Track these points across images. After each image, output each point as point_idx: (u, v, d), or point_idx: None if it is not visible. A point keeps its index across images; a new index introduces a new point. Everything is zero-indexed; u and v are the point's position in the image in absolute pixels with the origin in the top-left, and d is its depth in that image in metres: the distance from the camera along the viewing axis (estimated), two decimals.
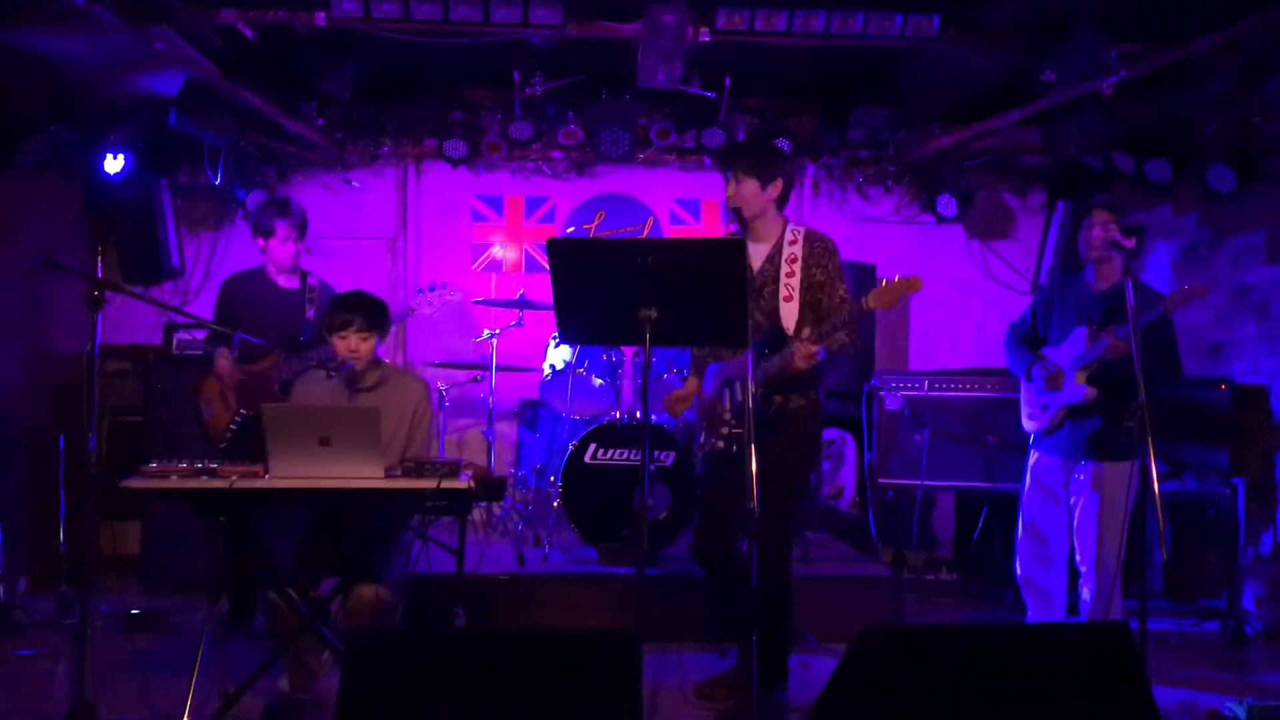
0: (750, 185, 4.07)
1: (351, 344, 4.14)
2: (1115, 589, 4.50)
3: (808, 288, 4.03)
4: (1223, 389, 5.71)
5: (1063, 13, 4.93)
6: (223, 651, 4.05)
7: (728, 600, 4.30)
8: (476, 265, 7.33)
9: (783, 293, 4.04)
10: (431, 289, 5.34)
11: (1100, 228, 4.60)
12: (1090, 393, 4.51)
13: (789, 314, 4.01)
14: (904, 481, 6.11)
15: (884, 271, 6.96)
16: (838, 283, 4.07)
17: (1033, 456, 4.88)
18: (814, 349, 3.82)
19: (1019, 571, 4.91)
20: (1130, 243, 4.33)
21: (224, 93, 5.65)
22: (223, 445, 5.01)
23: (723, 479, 4.22)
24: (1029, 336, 4.91)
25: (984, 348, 7.25)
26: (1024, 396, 4.90)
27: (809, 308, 4.03)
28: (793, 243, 4.08)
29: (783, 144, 6.53)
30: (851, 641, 2.66)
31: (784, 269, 4.05)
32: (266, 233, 5.16)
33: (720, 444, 4.21)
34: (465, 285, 7.28)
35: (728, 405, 4.19)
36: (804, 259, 4.05)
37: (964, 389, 6.06)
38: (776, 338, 3.99)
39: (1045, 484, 4.79)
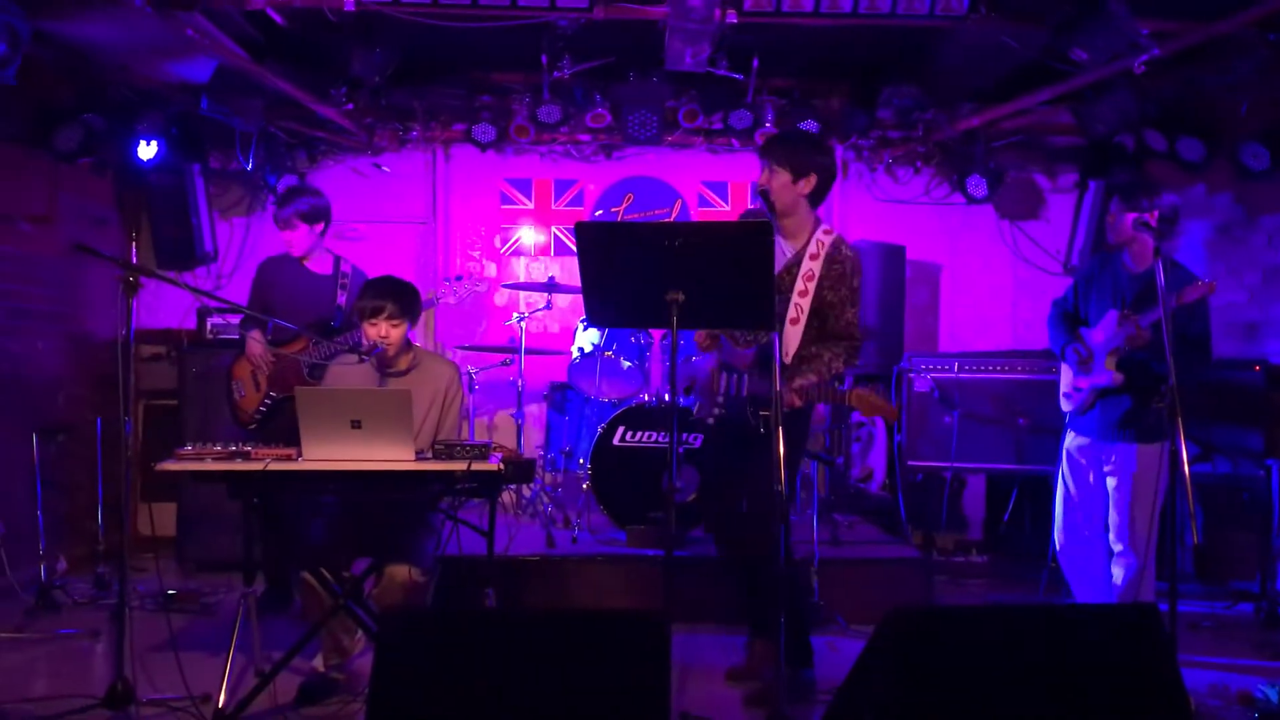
0: (782, 177, 3.97)
1: (382, 330, 4.19)
2: (1148, 569, 4.48)
3: (816, 308, 3.95)
4: (1257, 370, 5.65)
5: None
6: (259, 630, 4.11)
7: (741, 580, 4.33)
8: (505, 249, 7.36)
9: (790, 313, 3.93)
10: (459, 279, 5.39)
11: (1115, 214, 4.62)
12: (1116, 377, 4.50)
13: (791, 337, 3.92)
14: (933, 464, 6.09)
15: (914, 253, 6.96)
16: (849, 307, 3.96)
17: (1068, 436, 4.87)
18: (799, 403, 3.86)
19: (1058, 550, 4.91)
20: (1153, 217, 4.31)
21: (254, 78, 5.69)
22: (251, 427, 5.08)
23: (714, 457, 4.34)
24: (1070, 315, 4.88)
25: (1015, 329, 7.21)
26: (1062, 375, 4.89)
27: (814, 325, 3.96)
28: (814, 256, 3.95)
29: (810, 126, 6.51)
30: (879, 623, 2.67)
31: (799, 285, 3.93)
32: (281, 224, 5.23)
33: (710, 421, 4.20)
34: (494, 268, 7.33)
35: (721, 390, 4.16)
36: (820, 278, 3.93)
37: (994, 371, 6.03)
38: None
39: (1081, 463, 4.78)
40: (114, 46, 5.41)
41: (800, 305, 3.92)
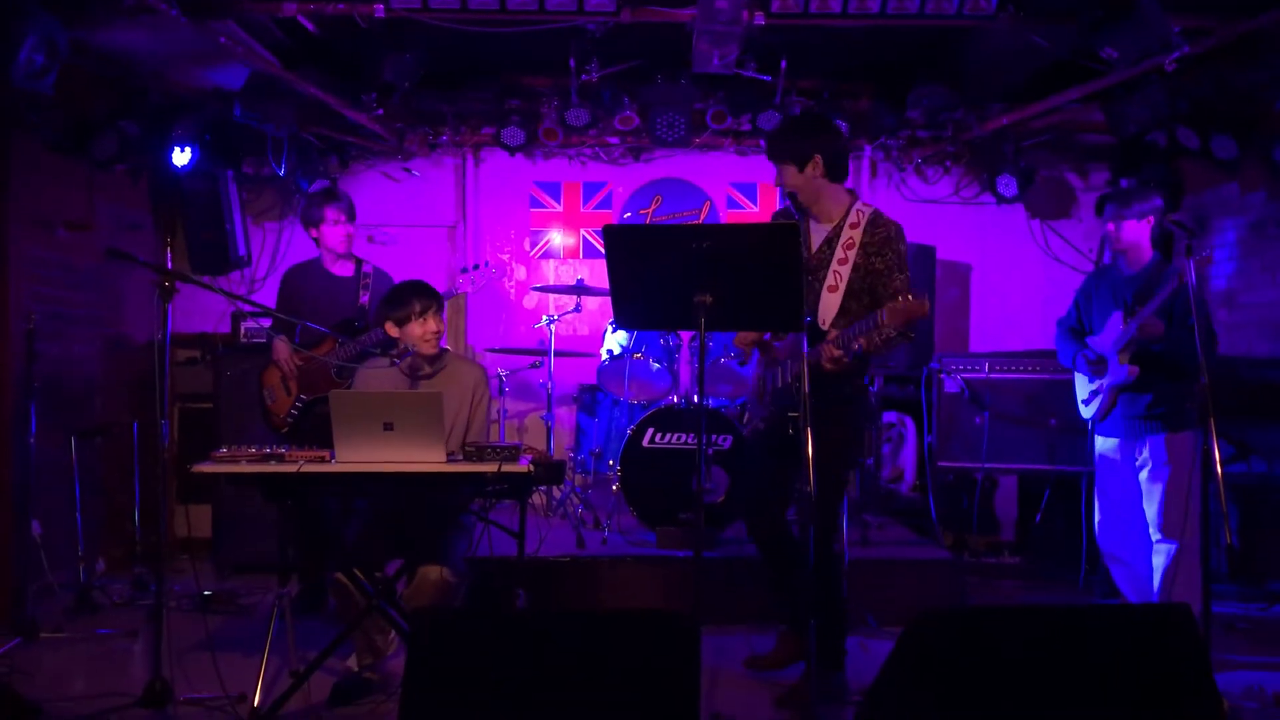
0: (790, 172, 3.96)
1: (432, 326, 4.30)
2: (1190, 555, 4.48)
3: (863, 275, 3.87)
4: None
5: None
6: (293, 631, 4.16)
7: (773, 578, 4.33)
8: (535, 251, 7.39)
9: (829, 280, 3.88)
10: (475, 267, 5.44)
11: (1113, 222, 4.74)
12: (1133, 371, 4.58)
13: (828, 306, 3.86)
14: (964, 464, 6.07)
15: (944, 254, 6.94)
16: (896, 273, 3.84)
17: (1097, 441, 4.91)
18: (838, 353, 3.69)
19: (1102, 549, 4.96)
20: (1148, 224, 4.46)
21: (286, 84, 5.75)
22: (284, 430, 5.13)
23: (761, 459, 4.26)
24: (1075, 329, 5.03)
25: (1046, 329, 7.15)
26: (1077, 386, 4.96)
27: (865, 294, 3.88)
28: (854, 225, 3.91)
29: (838, 126, 6.49)
30: (909, 623, 2.67)
31: (839, 254, 3.89)
32: (317, 221, 5.29)
33: (761, 425, 4.23)
34: (523, 271, 7.36)
35: (768, 388, 4.20)
36: (862, 245, 3.87)
37: (1025, 371, 6.00)
38: (813, 330, 3.85)
39: (1113, 463, 4.84)
40: (149, 54, 5.49)
41: (839, 273, 3.87)
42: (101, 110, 5.74)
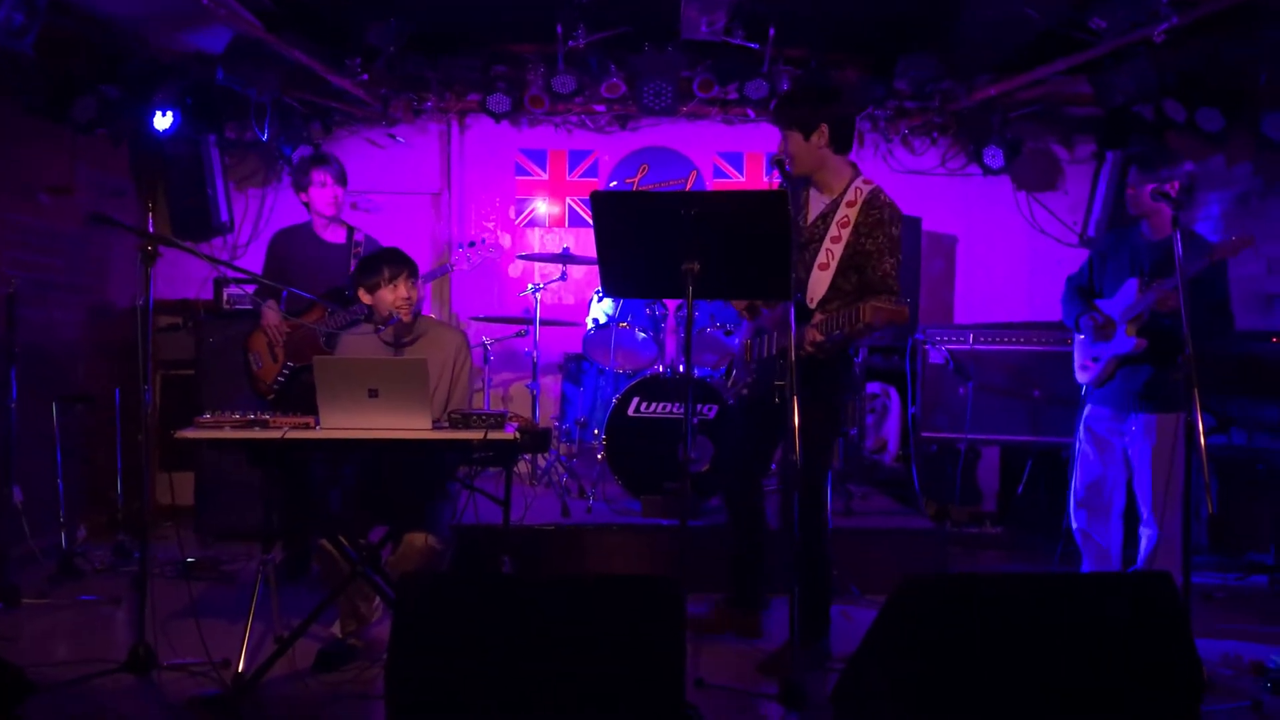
0: (795, 139, 3.94)
1: (404, 292, 4.26)
2: (1173, 541, 4.46)
3: (852, 254, 3.85)
4: (1275, 342, 5.62)
5: None
6: (277, 597, 4.16)
7: (739, 544, 4.39)
8: (520, 220, 7.36)
9: (820, 258, 3.87)
10: (471, 244, 5.40)
11: (1134, 185, 4.59)
12: (1139, 344, 4.47)
13: (818, 283, 3.85)
14: (948, 435, 6.09)
15: (930, 225, 6.94)
16: (886, 256, 3.82)
17: (1086, 409, 4.85)
18: (820, 338, 3.70)
19: (1074, 524, 4.90)
20: (1173, 188, 4.28)
21: (269, 48, 5.68)
22: (270, 397, 5.11)
23: (743, 427, 4.30)
24: (1085, 288, 4.87)
25: (1031, 301, 7.19)
26: (1076, 348, 4.87)
27: (853, 272, 3.87)
28: (851, 203, 3.88)
29: None
30: (892, 591, 2.68)
31: (832, 231, 3.86)
32: (306, 185, 5.25)
33: (745, 392, 4.24)
34: (509, 239, 7.33)
35: (754, 356, 4.20)
36: (856, 224, 3.84)
37: (1009, 342, 6.02)
38: (801, 308, 3.83)
39: (1099, 436, 4.76)
40: (130, 17, 5.41)
41: (832, 251, 3.85)
42: (82, 73, 5.67)
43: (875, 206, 3.87)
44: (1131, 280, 4.55)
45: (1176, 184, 4.33)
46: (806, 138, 3.92)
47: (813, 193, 4.04)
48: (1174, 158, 4.63)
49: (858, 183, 3.94)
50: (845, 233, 3.85)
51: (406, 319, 4.30)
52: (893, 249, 3.84)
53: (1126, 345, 4.51)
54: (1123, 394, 4.62)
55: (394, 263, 4.30)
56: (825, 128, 3.90)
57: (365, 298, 4.32)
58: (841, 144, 3.96)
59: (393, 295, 4.26)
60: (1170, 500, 4.47)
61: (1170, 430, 4.47)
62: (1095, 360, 4.69)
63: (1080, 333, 4.77)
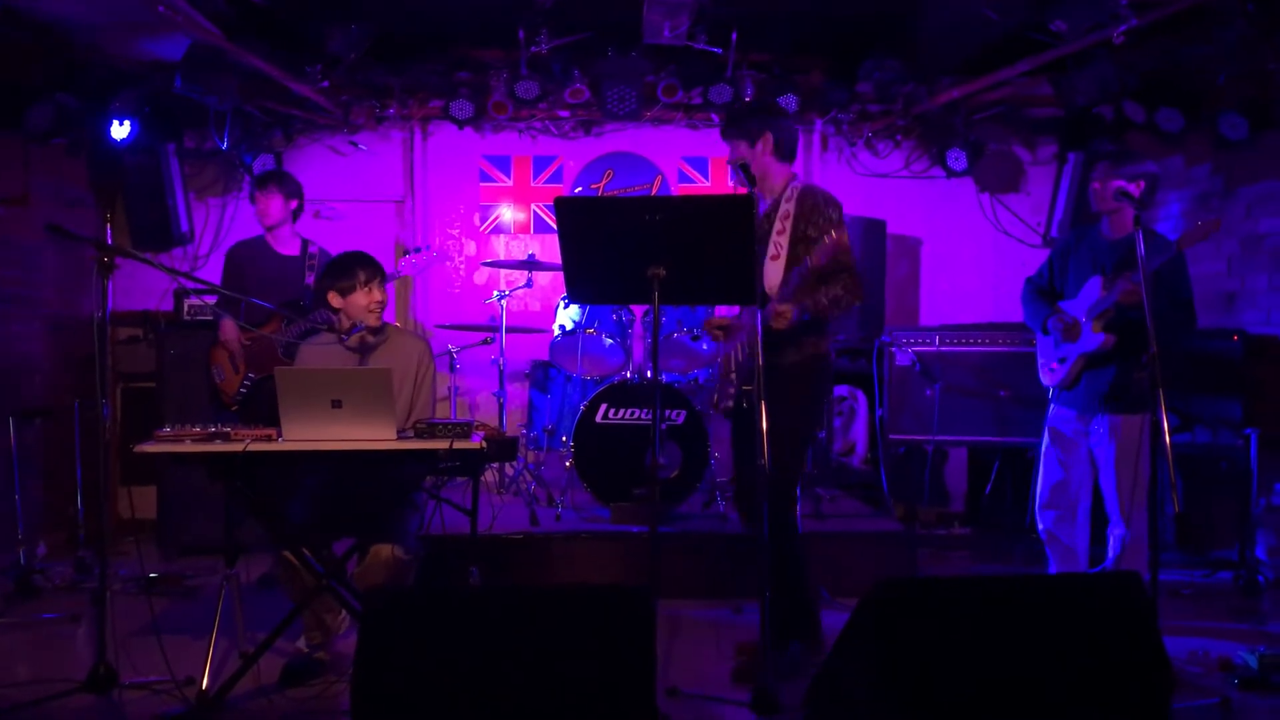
0: (740, 147, 4.11)
1: (377, 296, 4.27)
2: (1141, 541, 4.46)
3: (797, 242, 3.97)
4: (1235, 340, 5.68)
5: None
6: (242, 612, 4.09)
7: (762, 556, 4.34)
8: (484, 226, 7.32)
9: (770, 250, 4.00)
10: (418, 250, 5.41)
11: (1100, 181, 4.59)
12: (1107, 339, 4.45)
13: (772, 272, 3.95)
14: (915, 437, 6.11)
15: (895, 228, 6.96)
16: (828, 233, 3.91)
17: (1050, 410, 4.86)
18: (783, 308, 3.81)
19: (1040, 525, 4.89)
20: (1137, 188, 4.31)
21: (228, 56, 5.62)
22: (234, 408, 5.07)
23: (736, 436, 4.32)
24: (1046, 290, 4.86)
25: (996, 302, 7.23)
26: (1040, 350, 4.86)
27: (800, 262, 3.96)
28: (789, 199, 4.05)
29: (789, 100, 6.49)
30: (864, 594, 2.67)
31: (777, 225, 4.02)
32: (253, 199, 5.33)
33: (729, 403, 4.25)
34: (473, 246, 7.29)
35: (732, 367, 4.22)
36: (795, 215, 4.00)
37: (975, 344, 6.04)
38: (763, 299, 3.90)
39: (1064, 437, 4.75)
40: (86, 24, 5.34)
41: (779, 243, 4.00)
42: (37, 82, 5.59)
43: (809, 194, 4.06)
44: (1094, 278, 4.54)
45: (1141, 184, 4.37)
46: (751, 145, 4.10)
47: (758, 197, 4.14)
48: (1138, 156, 4.65)
49: (795, 183, 4.13)
50: (788, 224, 4.00)
51: (375, 324, 4.28)
52: (835, 227, 3.96)
53: (1094, 342, 4.50)
54: (1088, 396, 4.62)
55: (368, 266, 4.28)
56: (769, 136, 4.09)
57: (336, 300, 4.28)
58: (784, 153, 4.16)
59: (366, 299, 4.24)
60: (1137, 500, 4.48)
61: (1135, 430, 4.46)
62: (1062, 361, 4.68)
63: (1047, 334, 4.76)
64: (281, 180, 5.36)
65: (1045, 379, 4.83)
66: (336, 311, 4.30)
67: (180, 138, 6.62)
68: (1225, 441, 5.66)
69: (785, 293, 3.85)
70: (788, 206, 4.03)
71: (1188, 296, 4.46)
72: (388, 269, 4.55)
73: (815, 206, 4.00)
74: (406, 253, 5.34)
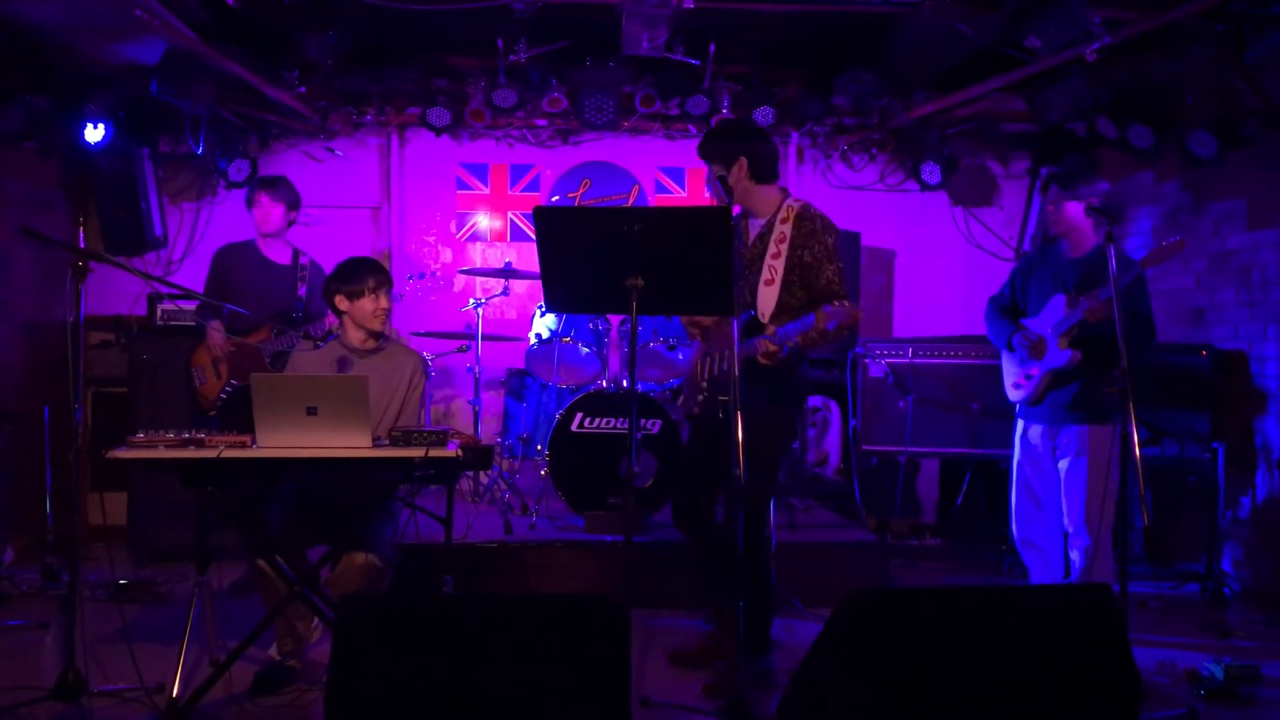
0: (717, 170, 4.09)
1: (384, 303, 4.32)
2: (1104, 550, 4.53)
3: (793, 268, 3.96)
4: (1203, 355, 5.76)
5: None
6: (213, 619, 4.07)
7: (703, 565, 4.38)
8: (461, 234, 7.31)
9: (765, 275, 3.98)
10: (421, 276, 5.41)
11: (1053, 204, 4.70)
12: (1075, 355, 4.51)
13: (766, 299, 3.95)
14: (888, 448, 6.15)
15: (869, 240, 7.01)
16: (826, 264, 3.94)
17: (1019, 425, 4.91)
18: (773, 348, 3.79)
19: (1016, 534, 4.94)
20: (1094, 201, 4.38)
21: (205, 60, 5.58)
22: (213, 414, 5.05)
23: (697, 445, 4.31)
24: (1009, 308, 4.94)
25: (968, 315, 7.28)
26: (1006, 367, 4.92)
27: (798, 287, 3.97)
28: (784, 220, 4.01)
29: (765, 112, 6.52)
30: (836, 605, 2.68)
31: (771, 249, 3.99)
32: (250, 203, 5.28)
33: (696, 410, 4.25)
34: (450, 254, 7.28)
35: (705, 375, 4.21)
36: (791, 239, 3.97)
37: (948, 356, 6.09)
38: (753, 322, 3.95)
39: (1034, 449, 4.80)
40: (59, 26, 5.29)
41: (774, 267, 3.96)
42: (9, 84, 5.54)
43: (807, 219, 4.01)
44: (1058, 296, 4.61)
45: (1094, 201, 4.44)
46: (727, 169, 4.07)
47: (749, 219, 4.16)
48: (1091, 175, 4.75)
49: (789, 201, 4.08)
50: (784, 248, 3.97)
51: (378, 329, 4.35)
52: (831, 257, 3.97)
53: (1062, 358, 4.56)
54: (1054, 408, 4.67)
55: (378, 273, 4.33)
56: (744, 160, 4.05)
57: (343, 304, 4.30)
58: (763, 175, 4.10)
59: (373, 305, 4.29)
60: (1105, 511, 4.53)
61: (1104, 441, 4.52)
62: (1029, 378, 4.73)
63: (1013, 351, 4.81)
64: (288, 191, 5.36)
65: (1012, 395, 4.89)
66: (341, 314, 4.32)
67: (155, 142, 6.58)
68: (1193, 455, 5.72)
69: (780, 335, 3.77)
70: (783, 229, 3.99)
71: (1147, 313, 4.53)
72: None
73: (814, 233, 3.97)
74: (411, 278, 5.36)
